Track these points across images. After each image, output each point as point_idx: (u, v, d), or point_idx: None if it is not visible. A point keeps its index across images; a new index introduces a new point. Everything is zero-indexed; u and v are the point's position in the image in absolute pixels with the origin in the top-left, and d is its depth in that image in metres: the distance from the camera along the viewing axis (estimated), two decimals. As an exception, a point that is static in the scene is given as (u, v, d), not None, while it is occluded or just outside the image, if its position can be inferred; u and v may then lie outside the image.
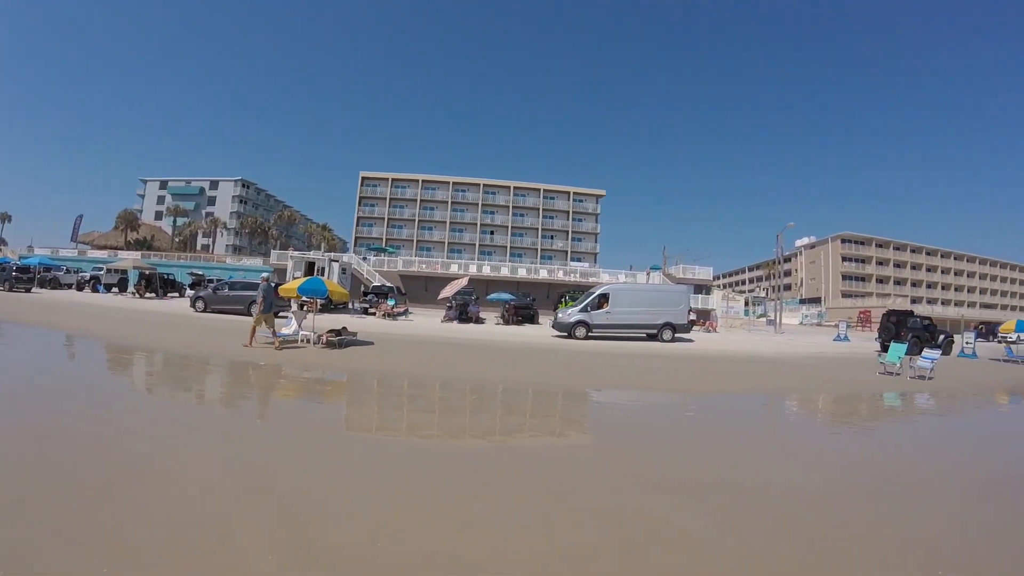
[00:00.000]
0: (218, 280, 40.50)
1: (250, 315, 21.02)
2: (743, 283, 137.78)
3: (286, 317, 19.44)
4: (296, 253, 51.92)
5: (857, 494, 6.44)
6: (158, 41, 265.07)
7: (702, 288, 62.65)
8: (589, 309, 27.41)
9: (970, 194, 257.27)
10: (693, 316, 43.12)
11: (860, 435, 10.77)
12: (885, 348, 26.79)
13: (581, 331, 26.74)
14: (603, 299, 27.74)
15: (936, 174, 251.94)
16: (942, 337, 31.44)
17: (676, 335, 28.30)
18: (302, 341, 17.85)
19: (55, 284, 42.53)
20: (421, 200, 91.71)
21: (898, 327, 31.28)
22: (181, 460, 6.05)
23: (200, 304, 28.71)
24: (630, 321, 27.86)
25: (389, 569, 3.90)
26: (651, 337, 28.18)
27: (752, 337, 37.58)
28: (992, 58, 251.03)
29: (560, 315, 28.59)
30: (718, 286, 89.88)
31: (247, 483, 5.47)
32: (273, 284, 18.18)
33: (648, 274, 61.24)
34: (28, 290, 37.94)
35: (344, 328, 18.93)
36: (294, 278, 35.35)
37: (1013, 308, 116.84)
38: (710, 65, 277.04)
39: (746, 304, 59.10)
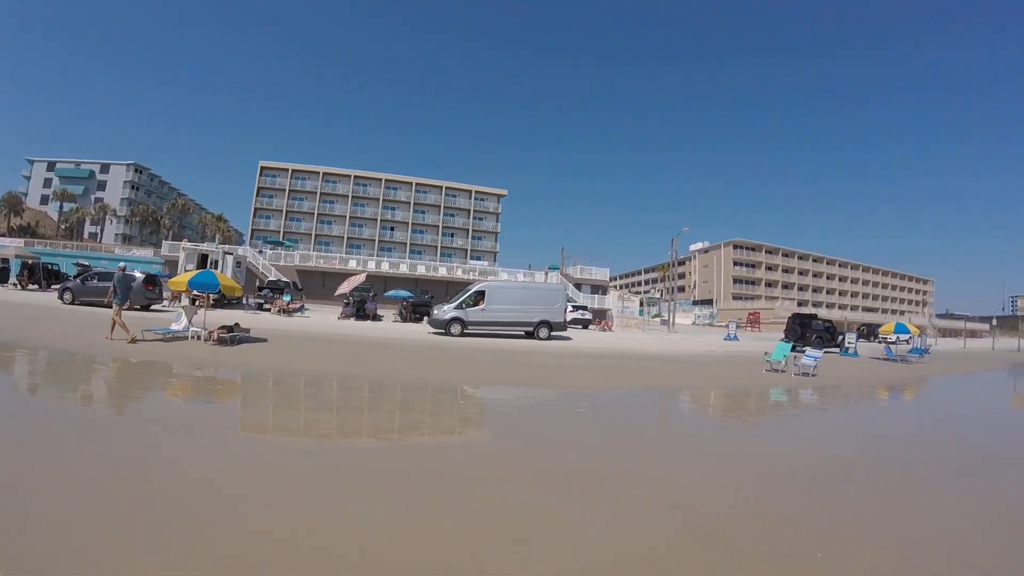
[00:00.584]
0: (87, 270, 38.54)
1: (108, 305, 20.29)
2: (639, 284, 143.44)
3: (159, 311, 19.03)
4: (189, 244, 50.16)
5: (743, 484, 6.91)
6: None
7: (598, 288, 65.11)
8: (464, 306, 27.39)
9: (852, 202, 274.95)
10: (588, 316, 44.80)
11: (747, 428, 11.75)
12: (792, 347, 30.07)
13: (456, 328, 26.68)
14: (479, 296, 27.70)
15: (825, 184, 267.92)
16: (841, 338, 35.31)
17: (553, 333, 28.57)
18: (192, 337, 17.45)
19: None
20: (321, 193, 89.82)
21: (803, 328, 34.65)
22: (57, 464, 5.78)
23: (68, 296, 27.44)
24: (506, 319, 27.91)
25: (280, 570, 3.89)
26: (528, 335, 28.25)
27: (646, 336, 39.44)
28: (870, 73, 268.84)
29: (436, 312, 28.49)
30: (615, 287, 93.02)
31: (133, 487, 5.28)
32: (134, 274, 17.68)
33: (546, 274, 62.87)
34: None
35: (236, 324, 18.74)
36: (186, 270, 34.42)
37: (893, 312, 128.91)
38: (614, 71, 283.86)
39: (641, 304, 61.47)
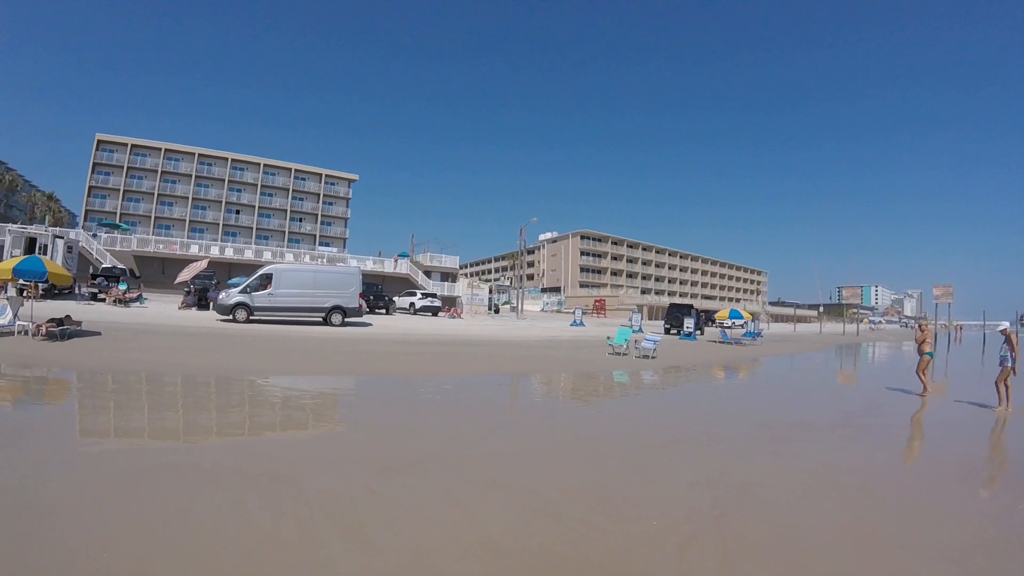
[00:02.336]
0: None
1: None
2: (489, 273, 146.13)
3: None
4: (15, 227, 46.18)
5: (580, 462, 7.62)
6: None
7: (448, 276, 66.59)
8: (250, 290, 26.38)
9: (700, 199, 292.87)
10: (438, 303, 46.01)
11: (589, 408, 12.83)
12: (668, 331, 38.94)
13: (242, 314, 25.83)
14: (266, 280, 26.76)
15: (675, 182, 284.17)
16: (706, 323, 44.52)
17: (347, 319, 28.13)
18: (19, 332, 16.85)
19: None
20: (162, 172, 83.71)
21: (681, 314, 40.86)
22: None
23: None
24: (295, 304, 27.06)
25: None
26: (325, 321, 27.71)
27: (494, 323, 41.20)
28: (697, 81, 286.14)
29: (220, 296, 27.45)
30: (464, 275, 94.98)
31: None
32: None
33: (396, 260, 63.66)
34: None
35: (67, 317, 18.13)
36: (11, 256, 32.29)
37: (730, 299, 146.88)
38: (473, 69, 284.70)
39: (490, 292, 63.33)
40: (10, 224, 49.36)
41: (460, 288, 62.48)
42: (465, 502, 5.68)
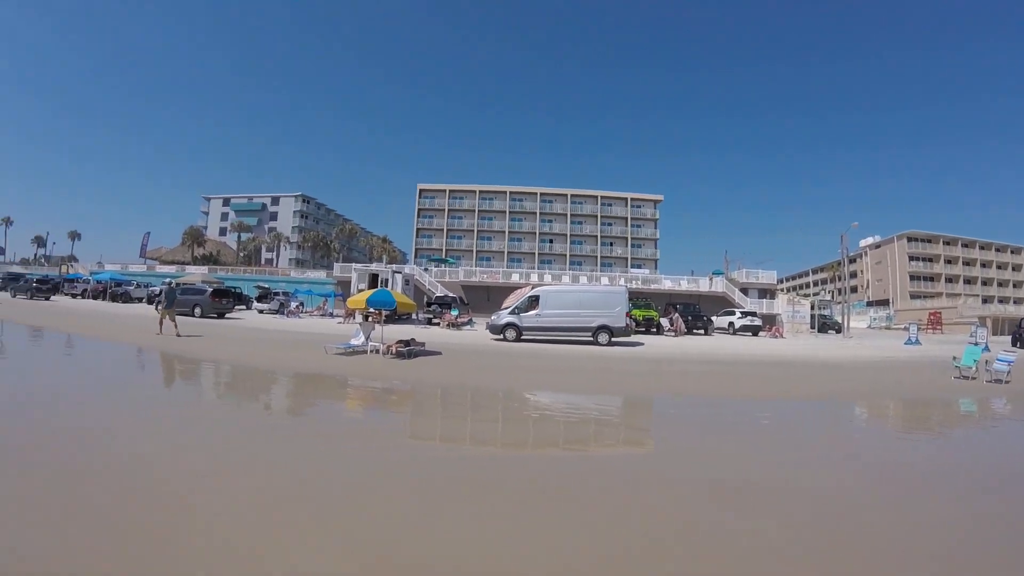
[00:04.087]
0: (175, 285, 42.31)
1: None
2: (806, 286, 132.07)
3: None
4: (359, 266, 52.71)
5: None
6: (214, 70, 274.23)
7: (766, 292, 61.02)
8: (519, 311, 26.87)
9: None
10: (758, 322, 42.11)
11: (933, 441, 10.46)
12: (1014, 345, 30.50)
13: (511, 333, 26.33)
14: (533, 301, 27.02)
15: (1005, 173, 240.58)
16: None
17: (613, 339, 26.85)
18: (371, 352, 18.11)
19: (126, 298, 44.68)
20: (479, 211, 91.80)
21: None
22: (223, 466, 6.37)
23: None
24: (561, 324, 26.70)
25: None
26: (592, 341, 26.65)
27: (819, 342, 36.47)
28: None
29: (493, 317, 28.39)
30: (782, 290, 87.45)
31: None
32: (174, 286, 24.21)
33: (711, 279, 59.78)
34: (47, 298, 43.09)
35: (412, 339, 19.01)
36: (359, 290, 36.00)
37: None
38: (768, 72, 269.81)
39: (812, 308, 57.23)
40: (355, 264, 55.81)
41: (779, 305, 57.03)
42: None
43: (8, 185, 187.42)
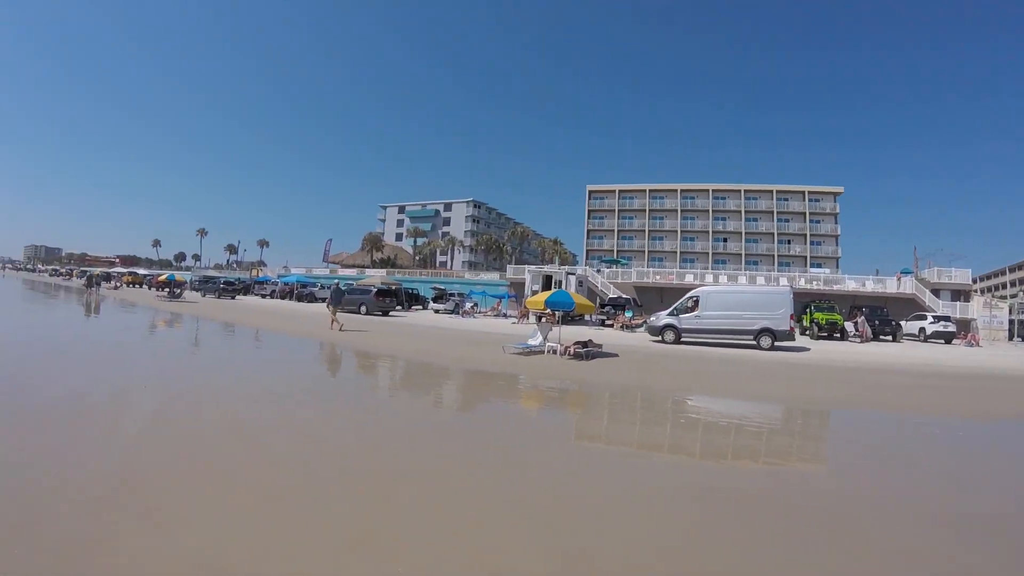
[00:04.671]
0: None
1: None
2: (1002, 287, 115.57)
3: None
4: (533, 267, 53.52)
5: None
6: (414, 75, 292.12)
7: (959, 294, 53.94)
8: (678, 313, 26.08)
9: None
10: (952, 327, 37.42)
11: None
12: None
13: (670, 335, 25.69)
14: (694, 302, 26.06)
15: None
16: None
17: (776, 343, 25.30)
18: (548, 352, 18.20)
19: (311, 298, 49.86)
20: (649, 210, 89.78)
21: None
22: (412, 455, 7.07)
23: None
24: (721, 326, 25.57)
25: None
26: (755, 344, 25.34)
27: (1019, 351, 32.09)
28: None
29: (651, 319, 27.94)
30: (976, 291, 77.62)
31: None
32: (342, 287, 27.45)
33: (899, 279, 54.08)
34: (233, 297, 51.46)
35: (590, 340, 18.95)
36: (532, 292, 36.63)
37: None
38: (960, 54, 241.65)
39: (1009, 312, 50.34)
40: (528, 265, 56.70)
41: (974, 308, 49.97)
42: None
43: (202, 200, 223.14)
